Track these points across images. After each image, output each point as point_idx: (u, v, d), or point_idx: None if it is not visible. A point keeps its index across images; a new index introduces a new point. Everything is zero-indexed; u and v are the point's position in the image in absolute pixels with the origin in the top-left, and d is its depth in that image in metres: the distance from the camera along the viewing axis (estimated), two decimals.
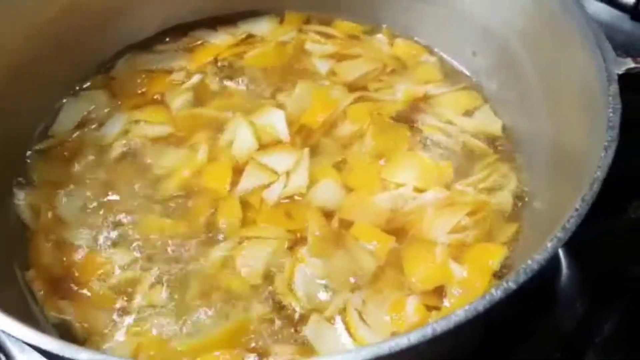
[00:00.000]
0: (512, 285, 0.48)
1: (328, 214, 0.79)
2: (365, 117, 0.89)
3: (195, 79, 0.96)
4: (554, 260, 0.86)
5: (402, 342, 0.44)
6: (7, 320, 0.52)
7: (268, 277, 0.74)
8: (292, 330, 0.70)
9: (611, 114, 0.60)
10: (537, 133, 0.82)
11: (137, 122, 0.90)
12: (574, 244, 0.84)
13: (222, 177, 0.83)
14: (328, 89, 0.93)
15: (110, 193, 0.82)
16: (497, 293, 0.47)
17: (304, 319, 0.70)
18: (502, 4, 0.85)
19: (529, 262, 0.49)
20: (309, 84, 0.94)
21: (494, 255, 0.75)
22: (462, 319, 0.46)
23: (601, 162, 0.56)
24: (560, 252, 0.87)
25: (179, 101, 0.93)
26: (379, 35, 1.02)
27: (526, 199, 0.81)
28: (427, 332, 0.45)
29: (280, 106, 0.91)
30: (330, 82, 0.95)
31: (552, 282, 0.87)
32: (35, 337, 0.49)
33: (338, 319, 0.70)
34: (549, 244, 0.50)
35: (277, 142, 0.87)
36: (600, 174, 0.55)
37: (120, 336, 0.70)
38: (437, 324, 0.45)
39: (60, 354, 0.46)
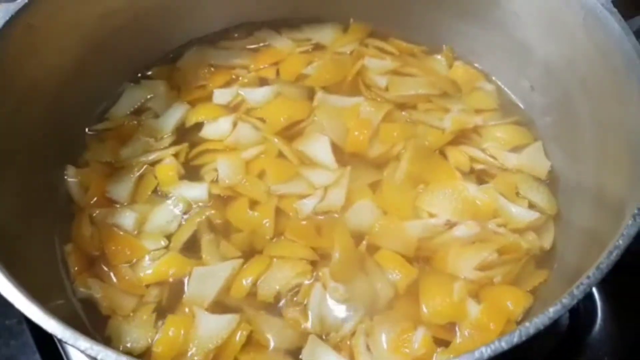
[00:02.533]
0: (504, 345, 0.47)
1: (357, 236, 0.80)
2: (396, 139, 0.88)
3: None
4: (590, 310, 0.84)
5: None
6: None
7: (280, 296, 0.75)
8: None
9: None
10: (581, 182, 0.79)
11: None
12: (614, 298, 0.84)
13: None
14: (355, 108, 0.92)
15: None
16: (486, 351, 0.47)
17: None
18: (567, 45, 0.81)
19: (527, 324, 0.48)
20: (329, 106, 0.93)
21: (517, 301, 0.74)
22: None
23: (626, 230, 0.54)
24: (598, 305, 0.85)
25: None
26: (438, 56, 1.00)
27: (558, 249, 0.79)
28: None
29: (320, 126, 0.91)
30: (380, 99, 0.95)
31: (584, 331, 0.84)
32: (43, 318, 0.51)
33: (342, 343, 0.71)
34: (552, 309, 0.49)
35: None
36: (622, 242, 0.53)
37: (140, 322, 0.74)
38: None
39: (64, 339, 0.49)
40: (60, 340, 0.84)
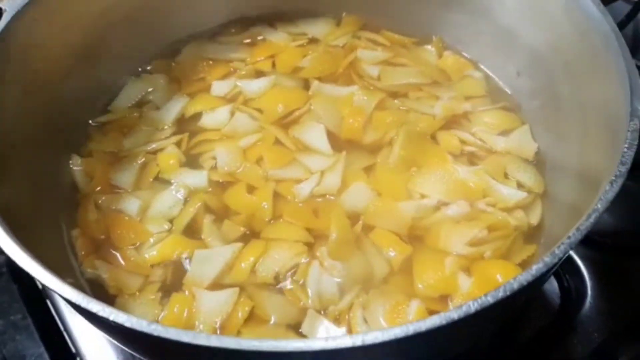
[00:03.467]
0: (490, 299, 0.50)
1: (353, 217, 0.83)
2: (389, 126, 0.91)
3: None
4: (580, 289, 0.88)
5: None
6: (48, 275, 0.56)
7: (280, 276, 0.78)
8: None
9: (626, 149, 0.60)
10: (566, 161, 0.83)
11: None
12: (603, 276, 0.87)
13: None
14: (349, 97, 0.95)
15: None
16: (473, 305, 0.50)
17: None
18: (550, 31, 0.85)
19: (511, 280, 0.52)
20: (325, 96, 0.97)
21: (506, 274, 0.76)
22: (440, 323, 0.49)
23: (604, 195, 0.57)
24: (588, 284, 0.89)
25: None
26: (428, 46, 1.04)
27: (545, 225, 0.82)
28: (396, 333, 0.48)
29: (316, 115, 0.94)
30: (373, 88, 0.98)
31: (575, 310, 0.88)
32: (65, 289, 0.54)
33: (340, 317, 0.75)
34: (535, 267, 0.52)
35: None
36: (600, 206, 0.56)
37: (146, 300, 0.77)
38: (414, 325, 0.49)
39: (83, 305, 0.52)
40: (67, 329, 0.87)
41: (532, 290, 0.53)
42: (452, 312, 0.49)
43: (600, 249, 0.92)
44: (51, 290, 0.54)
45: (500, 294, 0.50)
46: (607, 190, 0.57)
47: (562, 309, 0.89)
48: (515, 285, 0.51)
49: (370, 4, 1.07)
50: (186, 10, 1.05)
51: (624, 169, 0.59)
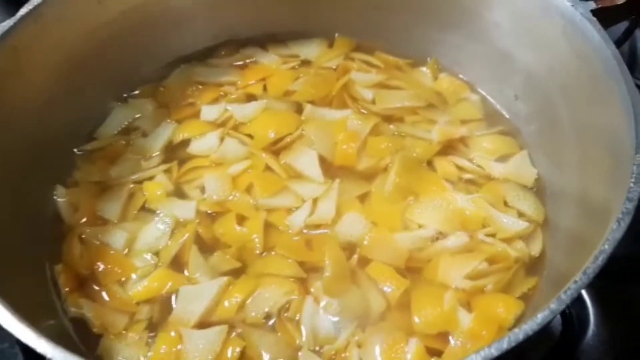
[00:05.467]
0: (494, 351, 0.47)
1: (348, 248, 0.80)
2: (383, 152, 0.89)
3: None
4: (582, 316, 0.85)
5: None
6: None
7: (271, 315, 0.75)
8: None
9: (632, 185, 0.58)
10: (566, 188, 0.80)
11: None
12: (606, 303, 0.84)
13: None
14: (343, 121, 0.93)
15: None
16: (476, 358, 0.47)
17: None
18: (548, 54, 0.83)
19: (516, 330, 0.49)
20: (317, 120, 0.94)
21: (508, 308, 0.74)
22: None
23: (611, 235, 0.54)
24: (590, 311, 0.86)
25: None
26: (423, 68, 1.02)
27: (547, 255, 0.79)
28: None
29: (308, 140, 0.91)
30: (367, 112, 0.96)
31: (577, 337, 0.85)
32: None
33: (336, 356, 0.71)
34: (540, 315, 0.50)
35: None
36: (607, 247, 0.54)
37: (132, 340, 0.73)
38: None
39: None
40: None
41: (536, 338, 0.50)
42: None
43: (603, 276, 0.89)
44: (25, 344, 0.51)
45: (505, 346, 0.47)
46: (615, 230, 0.54)
47: (564, 338, 0.85)
48: (521, 336, 0.48)
49: (364, 25, 1.04)
50: (174, 32, 1.02)
51: (631, 205, 0.57)
